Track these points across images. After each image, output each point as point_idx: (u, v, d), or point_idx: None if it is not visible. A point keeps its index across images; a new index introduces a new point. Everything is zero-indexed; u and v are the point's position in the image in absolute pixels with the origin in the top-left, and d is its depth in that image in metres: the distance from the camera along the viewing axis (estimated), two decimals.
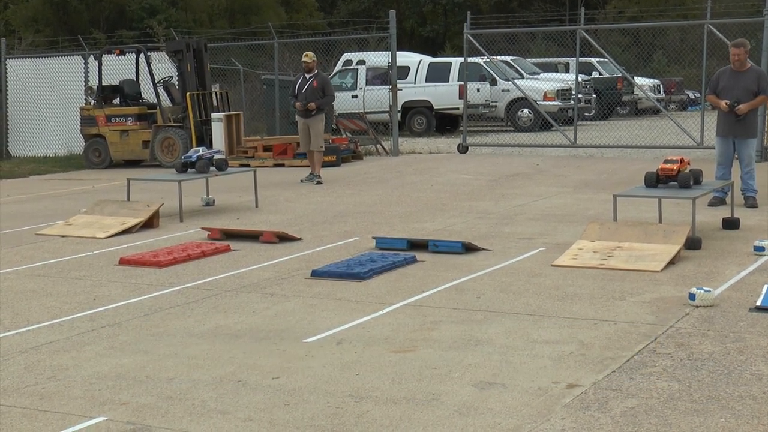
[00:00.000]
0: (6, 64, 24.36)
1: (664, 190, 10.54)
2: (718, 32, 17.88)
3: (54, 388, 5.80)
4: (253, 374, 5.96)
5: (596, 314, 7.16)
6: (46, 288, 8.67)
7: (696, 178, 10.22)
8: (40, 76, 24.22)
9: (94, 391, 5.73)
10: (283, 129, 22.16)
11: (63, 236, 11.41)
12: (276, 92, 22.78)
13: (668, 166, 10.07)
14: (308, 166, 16.71)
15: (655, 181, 10.14)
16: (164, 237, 11.19)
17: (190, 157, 13.12)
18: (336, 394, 5.55)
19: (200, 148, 13.53)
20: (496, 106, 27.28)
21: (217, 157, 13.31)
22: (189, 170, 13.00)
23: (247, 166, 18.02)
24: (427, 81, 27.47)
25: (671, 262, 8.76)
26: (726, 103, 11.96)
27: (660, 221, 10.35)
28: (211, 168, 13.09)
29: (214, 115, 19.59)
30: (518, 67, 28.40)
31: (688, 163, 10.34)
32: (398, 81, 22.44)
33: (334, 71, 28.03)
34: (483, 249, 9.76)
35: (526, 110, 26.58)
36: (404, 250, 9.67)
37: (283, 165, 19.17)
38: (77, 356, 6.47)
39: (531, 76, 28.15)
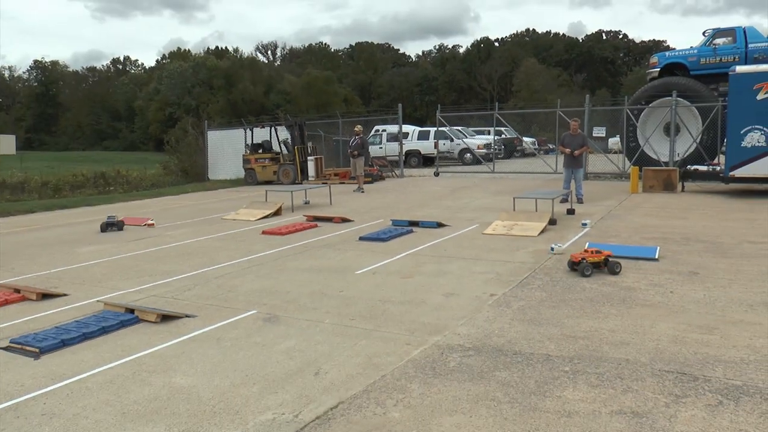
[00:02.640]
0: (207, 134, 24.42)
1: (535, 193, 10.40)
2: (563, 115, 17.72)
3: (231, 296, 5.80)
4: (330, 289, 5.94)
5: (505, 258, 7.09)
6: (226, 246, 8.65)
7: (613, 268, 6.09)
8: (224, 139, 24.14)
9: (249, 297, 5.73)
10: (344, 165, 21.97)
11: (234, 219, 11.36)
12: (340, 146, 22.63)
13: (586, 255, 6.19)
14: (357, 184, 16.60)
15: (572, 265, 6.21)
16: (285, 220, 11.13)
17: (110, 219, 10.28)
18: (372, 299, 5.53)
19: (114, 216, 10.37)
20: (453, 152, 27.00)
21: (117, 220, 10.33)
22: (109, 229, 10.07)
23: (326, 183, 17.89)
24: (418, 139, 27.21)
25: (542, 231, 8.67)
26: (569, 150, 11.90)
27: (536, 210, 10.23)
28: (113, 227, 10.18)
29: (309, 158, 19.48)
30: (464, 132, 28.12)
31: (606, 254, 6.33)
32: (403, 139, 22.24)
33: (370, 135, 27.84)
34: (447, 225, 9.65)
35: (468, 154, 26.30)
36: (406, 226, 9.57)
37: (344, 183, 18.99)
38: (242, 280, 6.46)
39: (471, 137, 27.85)
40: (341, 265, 7.08)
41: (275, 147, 20.77)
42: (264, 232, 9.58)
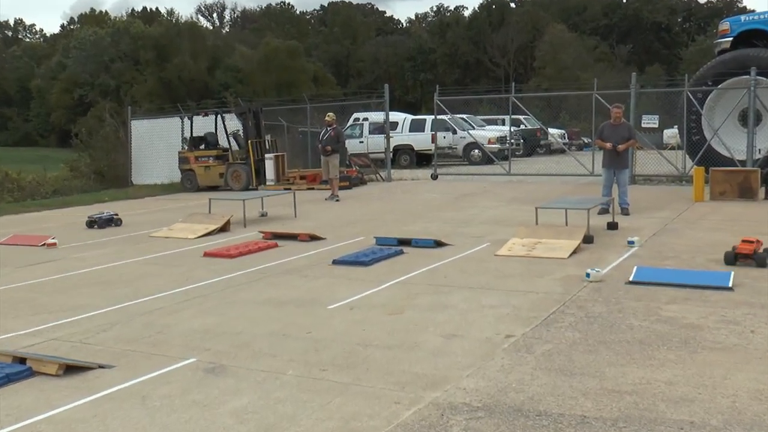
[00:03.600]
0: (131, 124, 24.35)
1: (565, 202, 10.51)
2: (601, 99, 17.90)
3: (162, 338, 5.78)
4: (293, 330, 5.94)
5: (525, 287, 7.14)
6: (156, 272, 8.64)
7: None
8: (153, 131, 24.09)
9: (188, 340, 5.70)
10: (313, 164, 22.00)
11: (167, 237, 11.35)
12: (308, 139, 22.69)
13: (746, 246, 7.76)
14: (330, 189, 16.63)
15: (733, 260, 7.71)
16: (234, 237, 11.13)
17: (96, 217, 12.57)
18: (349, 343, 5.53)
19: (104, 212, 12.86)
20: (456, 148, 27.19)
21: (115, 217, 12.82)
22: (94, 227, 12.41)
23: (289, 189, 17.89)
24: (410, 131, 27.39)
25: (573, 252, 8.74)
26: (611, 145, 11.98)
27: (566, 224, 10.31)
28: (111, 224, 12.61)
29: (267, 155, 19.50)
30: (471, 122, 28.33)
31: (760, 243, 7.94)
32: (390, 131, 22.38)
33: (347, 125, 27.95)
34: (448, 244, 9.71)
35: (476, 150, 26.50)
36: (395, 246, 9.62)
37: (313, 188, 19.01)
38: (178, 317, 6.45)
39: (479, 128, 28.07)
40: (309, 296, 7.08)
41: (222, 141, 20.80)
42: (207, 254, 9.58)
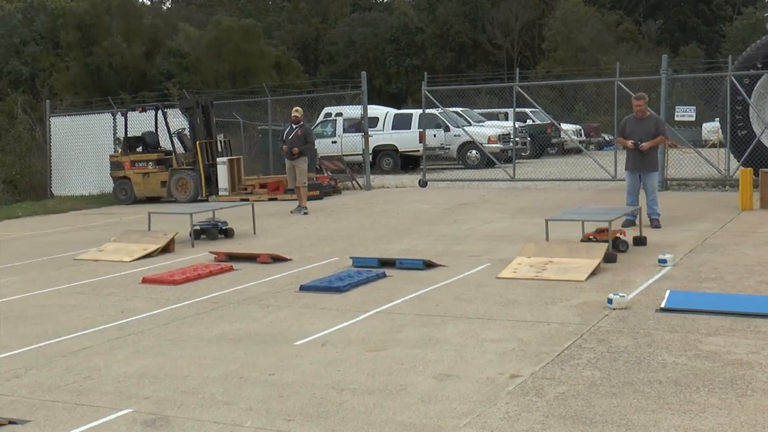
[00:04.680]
0: (50, 122, 24.21)
1: (582, 213, 10.58)
2: (625, 87, 18.05)
3: (89, 385, 5.74)
4: (253, 371, 5.92)
5: (533, 317, 7.17)
6: (83, 303, 8.60)
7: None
8: (78, 131, 24.02)
9: (122, 387, 5.67)
10: (276, 169, 22.05)
11: (96, 260, 11.31)
12: (269, 139, 22.70)
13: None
14: (296, 200, 16.64)
15: None
16: (179, 260, 11.12)
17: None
18: (321, 386, 5.52)
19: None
20: (449, 148, 27.31)
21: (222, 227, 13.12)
22: (202, 237, 12.76)
23: (247, 200, 17.90)
24: (393, 129, 27.47)
25: (593, 273, 8.78)
26: (632, 143, 12.05)
27: (582, 240, 10.36)
28: (219, 235, 12.91)
29: (219, 159, 19.50)
30: (467, 117, 28.49)
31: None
32: (369, 129, 22.46)
33: (317, 122, 27.98)
34: (440, 265, 9.74)
35: (474, 151, 26.63)
36: (376, 267, 9.64)
37: (276, 199, 19.07)
38: (108, 359, 6.41)
39: (477, 124, 28.24)
40: (272, 331, 7.07)
41: (164, 143, 20.78)
42: (146, 280, 9.57)
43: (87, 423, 5.00)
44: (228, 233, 12.98)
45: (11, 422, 5.04)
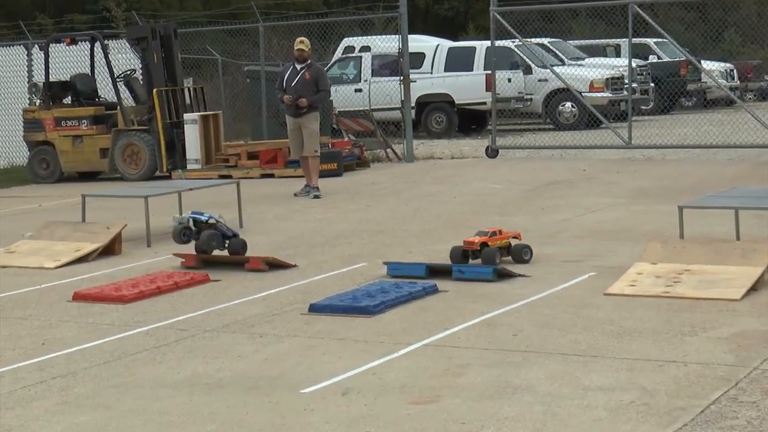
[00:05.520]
0: None
1: (742, 197, 10.43)
2: None
3: None
4: None
5: (661, 354, 7.10)
6: None
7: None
8: None
9: None
10: (272, 131, 22.08)
11: (3, 267, 11.39)
12: (262, 86, 22.77)
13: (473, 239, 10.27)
14: (303, 177, 16.66)
15: (461, 257, 10.21)
16: (128, 266, 11.17)
17: (200, 215, 11.31)
18: None
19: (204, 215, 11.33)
20: (531, 100, 27.24)
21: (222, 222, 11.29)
22: (183, 237, 11.27)
23: (229, 177, 18.00)
24: (446, 70, 27.48)
25: (753, 289, 8.67)
26: None
27: (738, 238, 10.24)
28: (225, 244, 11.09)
29: (187, 116, 19.59)
30: (558, 52, 28.38)
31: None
32: (411, 71, 22.42)
33: (333, 60, 28.08)
34: (519, 275, 9.70)
35: (568, 104, 26.56)
36: (422, 278, 9.62)
37: (272, 175, 19.15)
38: (23, 414, 6.41)
39: (574, 62, 28.13)
40: (267, 372, 7.07)
41: (105, 92, 20.88)
42: (79, 296, 9.62)
43: None
44: (233, 246, 11.13)
45: None
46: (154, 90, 19.49)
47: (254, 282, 10.06)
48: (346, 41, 29.64)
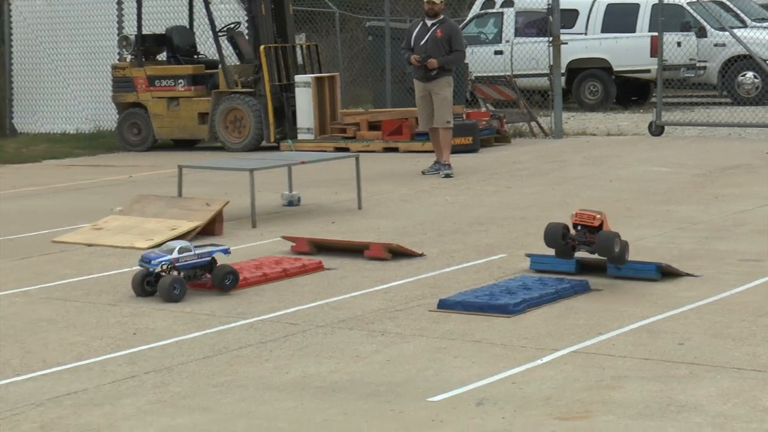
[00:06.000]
0: (10, 7, 24.87)
1: None
2: None
3: None
4: None
5: None
6: (67, 317, 8.85)
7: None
8: (57, 22, 24.61)
9: None
10: (397, 98, 22.15)
11: (90, 245, 11.64)
12: (387, 46, 22.83)
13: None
14: (432, 152, 16.68)
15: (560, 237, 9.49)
16: (232, 248, 11.29)
17: (148, 263, 9.50)
18: None
19: (174, 247, 9.54)
20: (705, 68, 26.90)
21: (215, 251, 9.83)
22: (147, 288, 9.48)
23: (346, 150, 18.08)
24: (603, 31, 27.27)
25: None
26: None
27: None
28: (204, 277, 9.70)
29: (298, 78, 19.70)
30: (739, 11, 27.96)
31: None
32: (562, 31, 22.31)
33: (469, 16, 28.05)
34: (687, 274, 9.64)
35: (750, 74, 26.18)
36: (572, 274, 9.63)
37: (396, 149, 19.18)
38: (112, 413, 6.55)
39: (758, 24, 27.68)
40: (390, 377, 7.13)
41: (206, 48, 21.10)
42: None
43: None
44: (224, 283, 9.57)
45: None
46: (262, 47, 19.60)
47: (375, 272, 10.14)
48: None
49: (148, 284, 9.43)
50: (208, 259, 9.61)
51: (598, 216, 9.09)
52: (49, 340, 8.20)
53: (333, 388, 6.91)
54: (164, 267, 9.41)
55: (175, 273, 9.43)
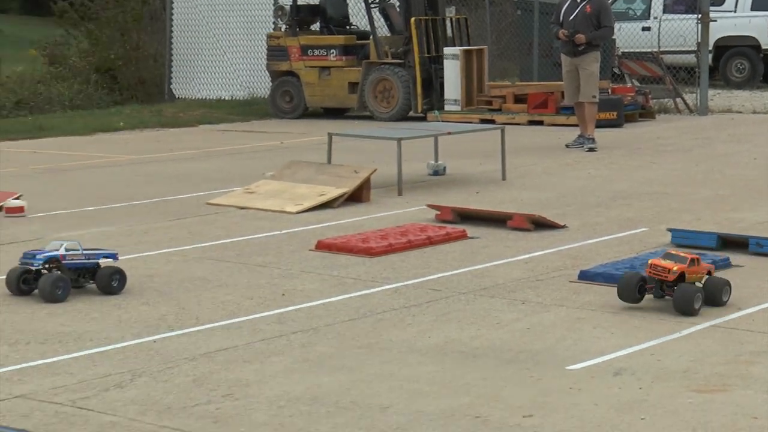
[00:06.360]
0: None
1: None
2: None
3: (231, 409, 6.02)
4: (497, 409, 6.00)
5: None
6: (220, 276, 9.03)
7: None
8: None
9: (283, 417, 5.90)
10: (544, 72, 22.06)
11: (242, 208, 11.81)
12: (535, 20, 22.72)
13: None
14: (576, 126, 16.60)
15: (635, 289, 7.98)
16: (376, 215, 11.41)
17: (32, 258, 8.52)
18: None
19: (61, 246, 8.50)
20: None
21: (103, 261, 8.72)
22: (23, 286, 8.46)
23: (492, 122, 18.07)
24: (753, 9, 26.81)
25: None
26: None
27: None
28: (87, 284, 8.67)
29: (447, 50, 19.71)
30: None
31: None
32: (711, 8, 22.02)
33: None
34: None
35: None
36: (713, 250, 9.54)
37: (541, 123, 19.12)
38: (261, 369, 6.70)
39: None
40: (529, 345, 7.16)
41: (358, 19, 21.20)
42: (323, 246, 9.91)
43: None
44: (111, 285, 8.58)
45: None
46: (412, 19, 19.63)
47: (517, 242, 10.15)
48: None
49: (24, 282, 8.39)
50: (95, 261, 8.49)
51: (675, 268, 7.59)
52: (202, 298, 8.38)
53: (474, 354, 6.97)
54: (47, 264, 8.34)
55: (58, 272, 8.35)
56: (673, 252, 7.92)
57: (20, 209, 11.56)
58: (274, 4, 22.73)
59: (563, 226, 10.73)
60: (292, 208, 11.60)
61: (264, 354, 7.02)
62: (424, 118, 19.38)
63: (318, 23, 21.23)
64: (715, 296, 7.77)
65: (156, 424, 5.83)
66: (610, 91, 19.41)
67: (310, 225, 10.96)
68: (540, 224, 10.70)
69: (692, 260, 7.69)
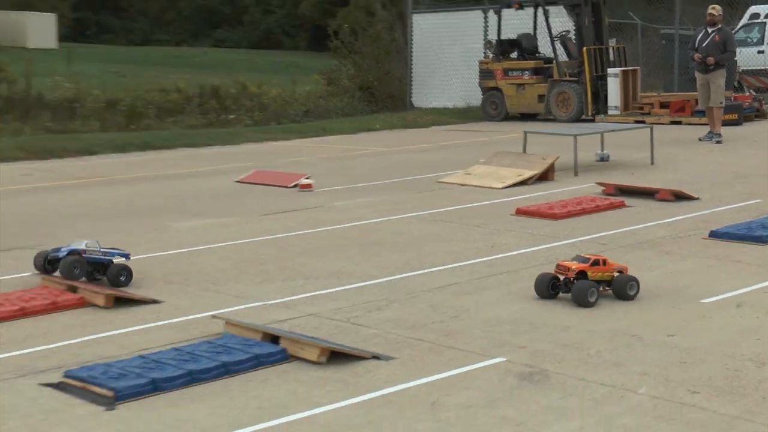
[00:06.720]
0: (412, 19, 25.38)
1: None
2: None
3: (457, 326, 6.16)
4: (648, 330, 6.01)
5: None
6: (446, 233, 9.17)
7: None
8: (442, 31, 24.98)
9: (493, 333, 6.01)
10: (681, 86, 21.58)
11: (462, 185, 11.89)
12: (675, 47, 22.20)
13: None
14: (707, 125, 16.24)
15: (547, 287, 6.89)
16: (558, 190, 11.36)
17: (58, 252, 7.66)
18: (735, 356, 5.47)
19: (83, 243, 7.66)
20: None
21: (117, 259, 7.74)
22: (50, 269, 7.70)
23: (643, 122, 17.77)
24: None
25: None
26: None
27: None
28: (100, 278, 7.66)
29: (610, 71, 19.50)
30: None
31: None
32: None
33: (739, 25, 26.82)
34: None
35: None
36: None
37: (680, 123, 18.71)
38: (478, 299, 6.83)
39: None
40: (672, 284, 7.12)
41: (544, 48, 21.09)
42: (520, 212, 9.96)
43: (456, 368, 5.38)
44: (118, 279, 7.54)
45: (375, 357, 5.56)
46: (584, 48, 19.52)
47: (662, 210, 10.01)
48: (753, 8, 28.17)
49: (49, 264, 7.65)
50: (109, 258, 7.65)
51: (574, 267, 6.70)
52: (435, 249, 8.51)
53: None
54: (70, 256, 7.50)
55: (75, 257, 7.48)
56: (583, 255, 6.92)
57: (309, 186, 11.91)
58: (484, 39, 22.81)
59: (697, 198, 10.52)
60: (498, 184, 11.65)
61: (479, 288, 7.13)
62: (593, 120, 19.18)
63: (516, 52, 21.24)
64: (622, 291, 6.71)
65: (405, 336, 5.98)
66: (732, 98, 18.92)
67: (511, 197, 10.97)
68: (679, 196, 10.53)
69: (595, 261, 6.76)
